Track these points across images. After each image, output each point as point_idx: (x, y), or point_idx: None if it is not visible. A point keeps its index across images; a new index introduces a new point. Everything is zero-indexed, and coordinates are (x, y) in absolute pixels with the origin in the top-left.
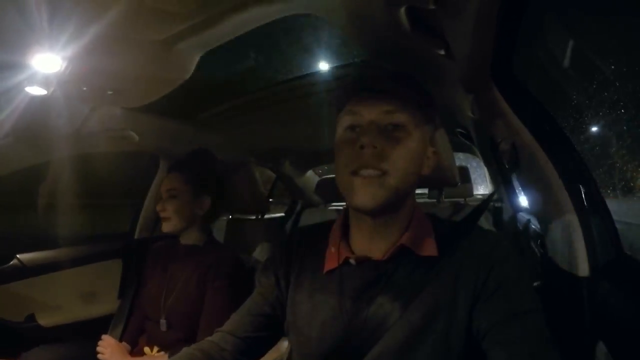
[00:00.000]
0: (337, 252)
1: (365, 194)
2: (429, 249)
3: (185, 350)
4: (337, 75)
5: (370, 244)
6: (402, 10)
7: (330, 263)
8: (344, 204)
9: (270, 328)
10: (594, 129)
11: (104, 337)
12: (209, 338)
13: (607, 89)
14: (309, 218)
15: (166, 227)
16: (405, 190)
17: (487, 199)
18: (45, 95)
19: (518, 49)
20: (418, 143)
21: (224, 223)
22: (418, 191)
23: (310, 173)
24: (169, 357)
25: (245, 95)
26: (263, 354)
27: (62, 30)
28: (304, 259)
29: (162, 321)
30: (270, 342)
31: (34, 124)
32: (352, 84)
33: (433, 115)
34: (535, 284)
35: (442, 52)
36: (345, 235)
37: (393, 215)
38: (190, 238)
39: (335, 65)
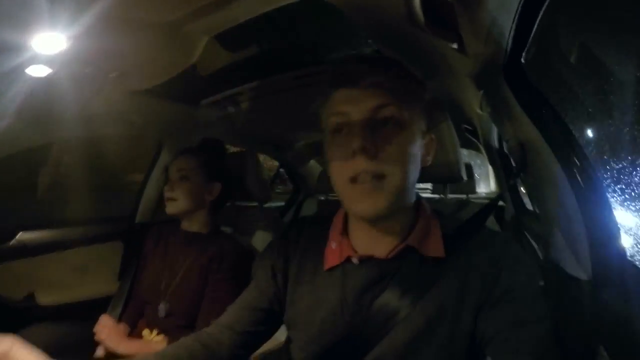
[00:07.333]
0: (339, 248)
1: (366, 203)
2: (436, 249)
3: (183, 340)
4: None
5: (373, 242)
6: (418, 1)
7: (332, 260)
8: None
9: (267, 322)
10: (604, 131)
11: (102, 317)
12: (207, 330)
13: (620, 90)
14: (310, 208)
15: (171, 209)
16: (407, 190)
17: (494, 199)
18: (48, 76)
19: (532, 48)
20: (414, 135)
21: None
22: (421, 186)
23: (313, 162)
24: (168, 341)
25: (250, 82)
26: (259, 347)
27: (65, 9)
28: (304, 253)
29: (161, 307)
30: (267, 336)
31: (37, 105)
32: (334, 81)
33: (425, 101)
34: None
35: (455, 46)
36: (345, 230)
37: (394, 217)
38: (196, 225)
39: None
